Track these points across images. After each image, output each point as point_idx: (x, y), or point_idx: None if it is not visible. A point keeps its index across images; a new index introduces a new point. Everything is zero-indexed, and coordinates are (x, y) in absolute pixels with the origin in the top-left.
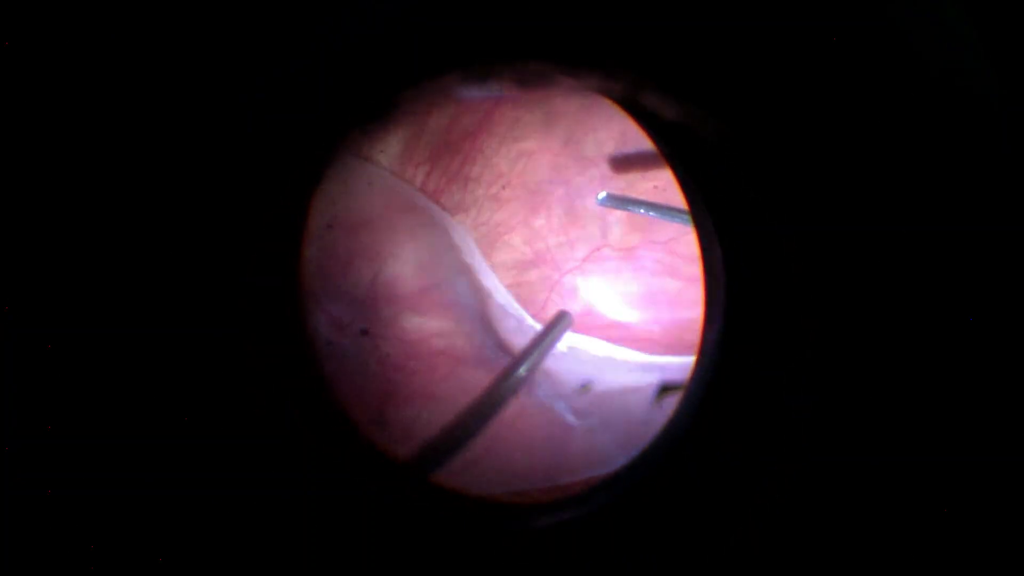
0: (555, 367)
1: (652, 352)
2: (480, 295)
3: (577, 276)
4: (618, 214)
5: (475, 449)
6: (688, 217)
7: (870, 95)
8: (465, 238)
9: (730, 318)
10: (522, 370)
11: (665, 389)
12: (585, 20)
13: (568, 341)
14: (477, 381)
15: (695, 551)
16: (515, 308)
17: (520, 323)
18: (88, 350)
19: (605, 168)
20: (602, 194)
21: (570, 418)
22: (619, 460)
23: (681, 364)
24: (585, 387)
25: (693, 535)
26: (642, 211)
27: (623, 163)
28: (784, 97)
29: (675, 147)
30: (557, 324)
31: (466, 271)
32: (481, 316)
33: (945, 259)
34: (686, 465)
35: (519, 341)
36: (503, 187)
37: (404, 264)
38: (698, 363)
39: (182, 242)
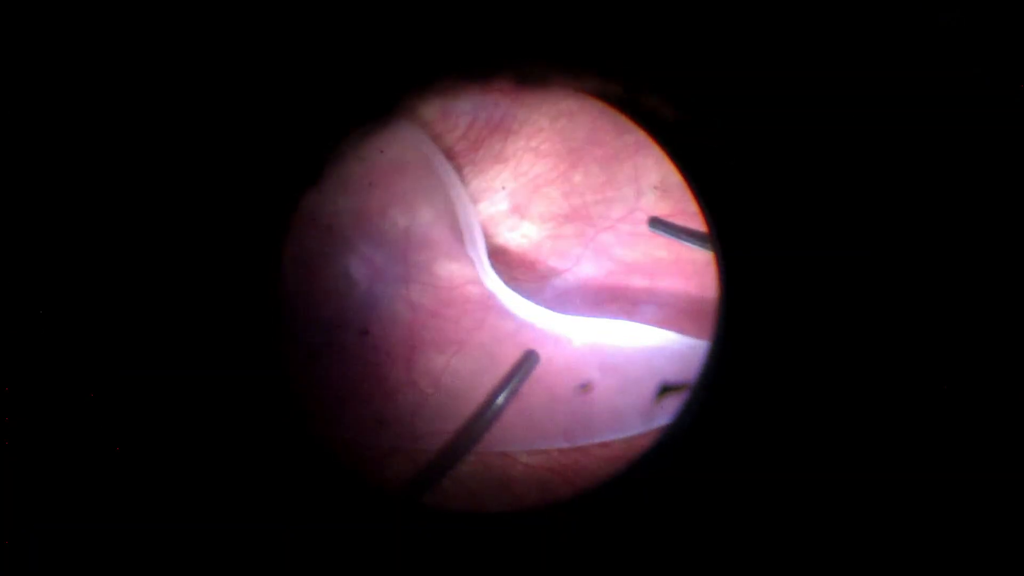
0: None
1: (675, 319)
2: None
3: (611, 234)
4: (651, 179)
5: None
6: None
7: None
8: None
9: (730, 329)
10: (487, 415)
11: (665, 390)
12: (586, 22)
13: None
14: (503, 328)
15: (692, 555)
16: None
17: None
18: (54, 374)
19: (640, 134)
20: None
21: (595, 375)
22: (637, 426)
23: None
24: (585, 387)
25: (691, 539)
26: (691, 243)
27: None
28: (782, 100)
29: (678, 150)
30: (524, 365)
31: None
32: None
33: (946, 271)
34: (684, 469)
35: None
36: (543, 141)
37: (437, 213)
38: (699, 368)
39: (179, 241)
